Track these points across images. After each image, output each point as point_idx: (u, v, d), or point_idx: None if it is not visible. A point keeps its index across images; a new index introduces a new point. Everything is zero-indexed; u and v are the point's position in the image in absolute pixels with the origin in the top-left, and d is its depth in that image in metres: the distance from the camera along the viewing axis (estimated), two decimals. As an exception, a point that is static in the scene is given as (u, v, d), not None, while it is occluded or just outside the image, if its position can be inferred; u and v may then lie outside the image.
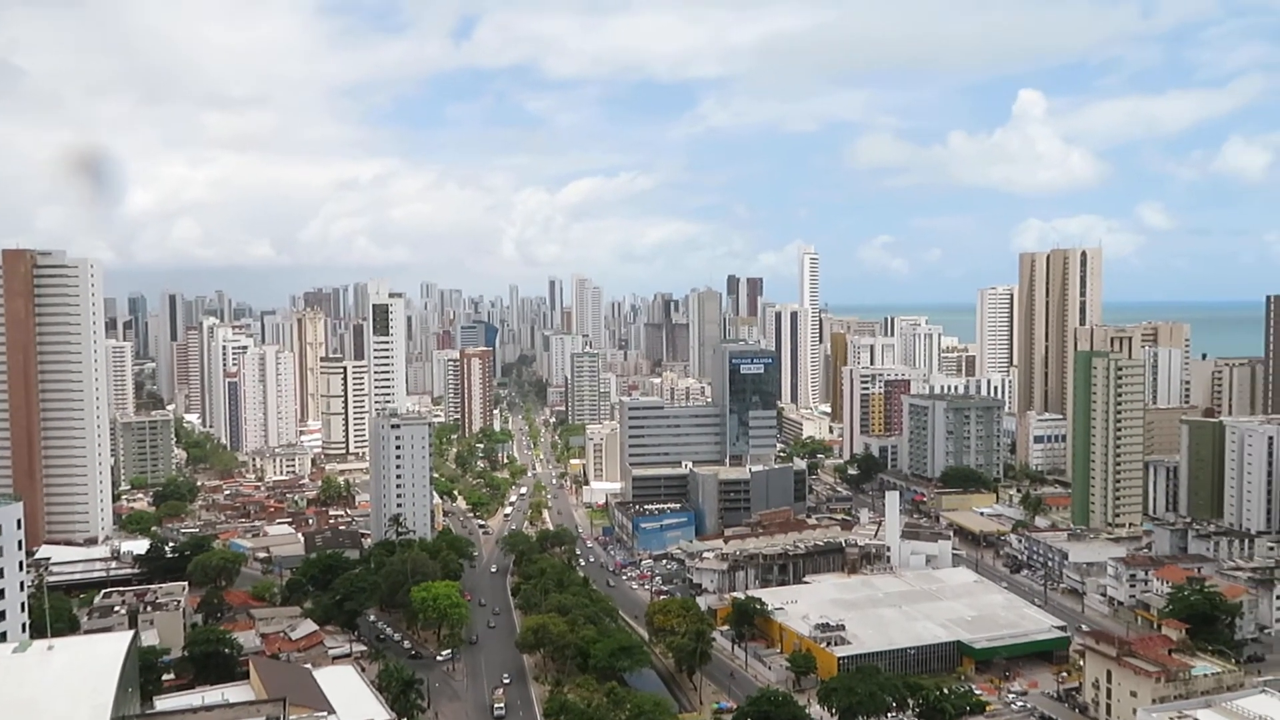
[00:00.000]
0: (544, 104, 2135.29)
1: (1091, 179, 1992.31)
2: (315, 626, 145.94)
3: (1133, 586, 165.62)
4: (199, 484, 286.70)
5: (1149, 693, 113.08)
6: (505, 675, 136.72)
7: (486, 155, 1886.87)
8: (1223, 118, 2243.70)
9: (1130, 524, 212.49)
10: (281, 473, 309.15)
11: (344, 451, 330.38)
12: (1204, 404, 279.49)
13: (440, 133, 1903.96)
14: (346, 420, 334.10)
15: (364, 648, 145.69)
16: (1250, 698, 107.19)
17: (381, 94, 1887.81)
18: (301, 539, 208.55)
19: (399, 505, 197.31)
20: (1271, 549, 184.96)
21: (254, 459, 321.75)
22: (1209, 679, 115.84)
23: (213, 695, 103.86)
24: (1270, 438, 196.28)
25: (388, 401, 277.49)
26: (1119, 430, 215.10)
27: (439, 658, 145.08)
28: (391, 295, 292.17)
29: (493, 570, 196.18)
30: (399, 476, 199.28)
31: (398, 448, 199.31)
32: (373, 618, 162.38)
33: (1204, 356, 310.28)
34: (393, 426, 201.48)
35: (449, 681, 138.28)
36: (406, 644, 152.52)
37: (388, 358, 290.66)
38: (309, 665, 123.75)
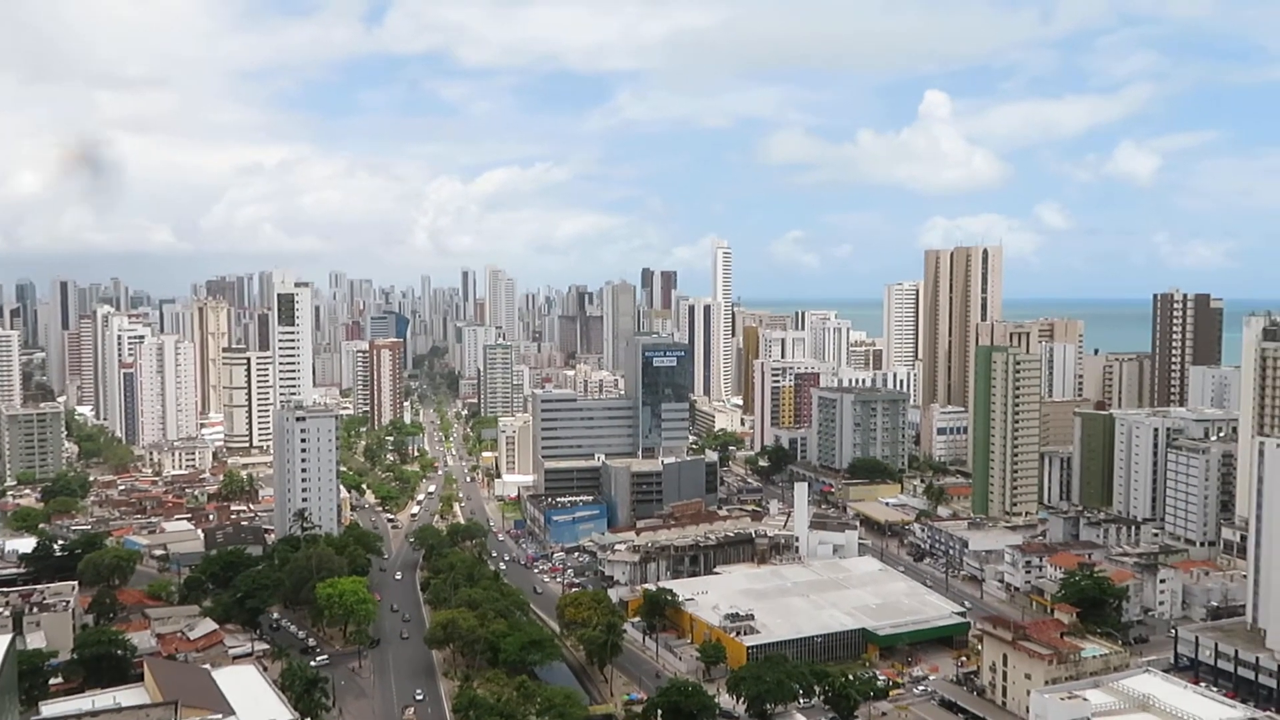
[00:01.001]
0: (458, 92, 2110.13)
1: (993, 179, 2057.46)
2: (215, 625, 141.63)
3: (1028, 573, 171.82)
4: (91, 479, 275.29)
5: (1042, 674, 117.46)
6: (418, 691, 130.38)
7: (399, 143, 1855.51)
8: (1115, 123, 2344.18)
9: (1026, 513, 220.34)
10: (180, 467, 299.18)
11: (247, 445, 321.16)
12: (1096, 397, 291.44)
13: (351, 119, 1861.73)
14: (250, 413, 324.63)
15: (266, 646, 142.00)
16: (1135, 677, 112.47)
17: (289, 78, 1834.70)
18: (201, 535, 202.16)
19: (304, 500, 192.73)
20: (1155, 535, 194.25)
21: (151, 453, 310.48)
22: (1097, 660, 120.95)
23: (104, 699, 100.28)
24: (1156, 430, 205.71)
25: (293, 393, 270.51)
26: (1016, 422, 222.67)
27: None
28: (298, 284, 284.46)
29: (397, 577, 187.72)
30: (304, 470, 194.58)
31: (303, 441, 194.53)
32: (276, 616, 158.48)
33: (1096, 352, 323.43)
34: (298, 419, 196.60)
35: (355, 679, 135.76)
36: (311, 641, 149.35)
37: (293, 348, 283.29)
38: (208, 666, 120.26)
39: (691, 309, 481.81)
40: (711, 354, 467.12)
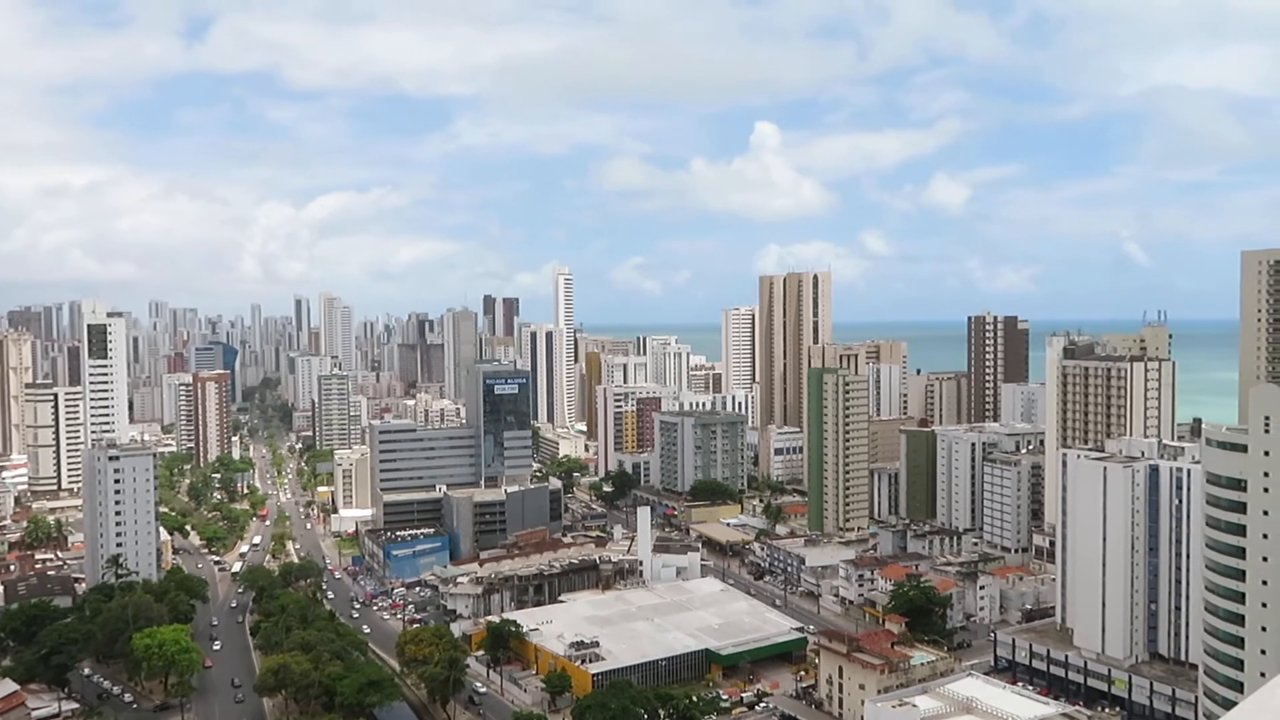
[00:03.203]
0: (287, 114, 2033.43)
1: (821, 207, 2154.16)
2: (15, 686, 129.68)
3: (861, 586, 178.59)
4: None
5: (875, 684, 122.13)
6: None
7: (222, 166, 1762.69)
8: (929, 155, 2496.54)
9: (859, 528, 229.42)
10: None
11: (55, 488, 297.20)
12: (919, 415, 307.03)
13: (169, 140, 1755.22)
14: (59, 453, 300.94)
15: (75, 706, 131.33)
16: (959, 681, 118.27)
17: (99, 95, 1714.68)
18: (0, 588, 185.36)
19: (119, 545, 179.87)
20: (975, 544, 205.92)
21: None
22: (925, 667, 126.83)
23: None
24: (973, 444, 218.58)
25: (106, 431, 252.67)
26: (847, 441, 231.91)
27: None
28: (110, 314, 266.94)
29: (216, 641, 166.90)
30: (119, 513, 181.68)
31: (117, 481, 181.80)
32: (87, 671, 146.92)
33: (919, 372, 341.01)
34: (110, 458, 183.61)
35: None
36: (128, 697, 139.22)
37: (106, 383, 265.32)
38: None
39: (534, 336, 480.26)
40: (555, 381, 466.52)
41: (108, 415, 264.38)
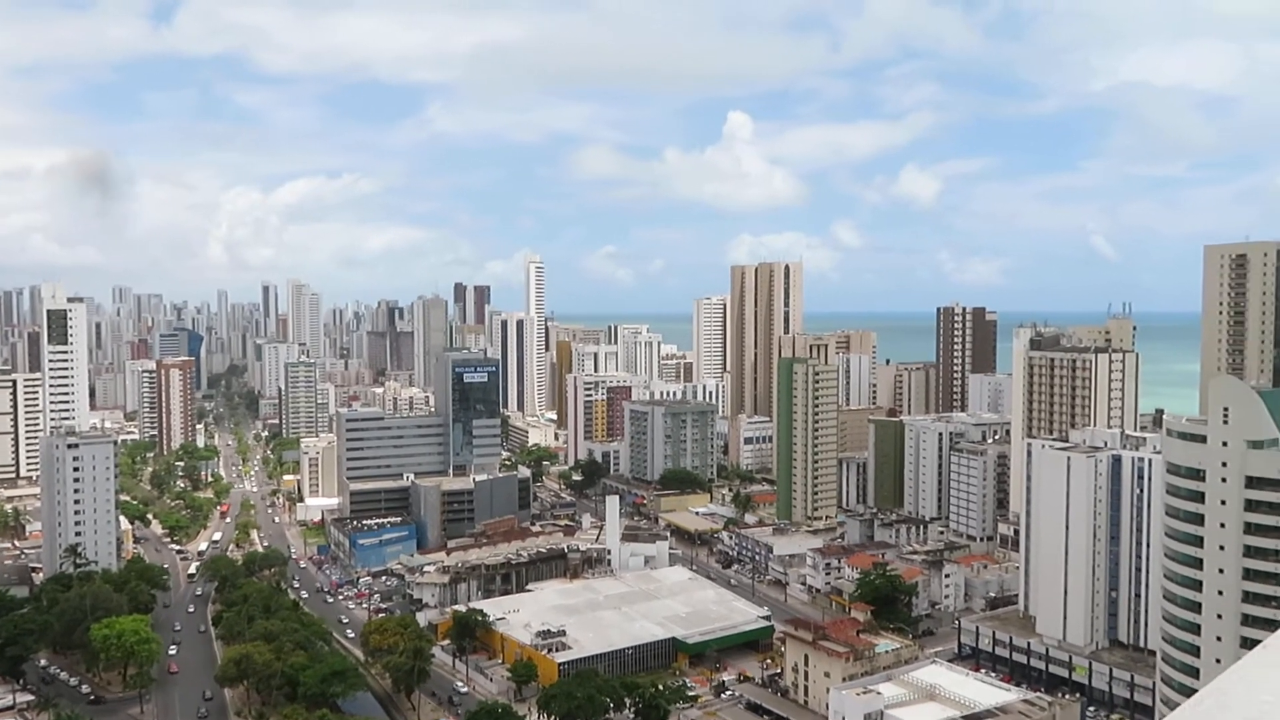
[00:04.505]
0: (256, 99, 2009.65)
1: (793, 198, 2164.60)
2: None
3: (828, 574, 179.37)
4: None
5: (840, 672, 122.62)
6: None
7: (190, 150, 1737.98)
8: (901, 148, 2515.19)
9: (827, 517, 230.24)
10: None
11: (14, 476, 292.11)
12: (888, 405, 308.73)
13: (134, 123, 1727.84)
14: (17, 440, 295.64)
15: (30, 697, 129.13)
16: (923, 669, 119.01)
17: (62, 77, 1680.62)
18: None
19: (77, 534, 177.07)
20: (941, 533, 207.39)
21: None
22: (890, 655, 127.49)
23: None
24: (940, 434, 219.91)
25: (66, 418, 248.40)
26: (816, 430, 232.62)
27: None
28: (71, 300, 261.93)
29: (189, 610, 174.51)
30: (78, 502, 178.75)
31: (76, 470, 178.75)
32: (44, 662, 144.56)
33: (888, 362, 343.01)
34: (70, 446, 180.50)
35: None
36: (85, 688, 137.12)
37: (66, 369, 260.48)
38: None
39: (505, 324, 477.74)
40: (525, 369, 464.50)
41: (68, 402, 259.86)
